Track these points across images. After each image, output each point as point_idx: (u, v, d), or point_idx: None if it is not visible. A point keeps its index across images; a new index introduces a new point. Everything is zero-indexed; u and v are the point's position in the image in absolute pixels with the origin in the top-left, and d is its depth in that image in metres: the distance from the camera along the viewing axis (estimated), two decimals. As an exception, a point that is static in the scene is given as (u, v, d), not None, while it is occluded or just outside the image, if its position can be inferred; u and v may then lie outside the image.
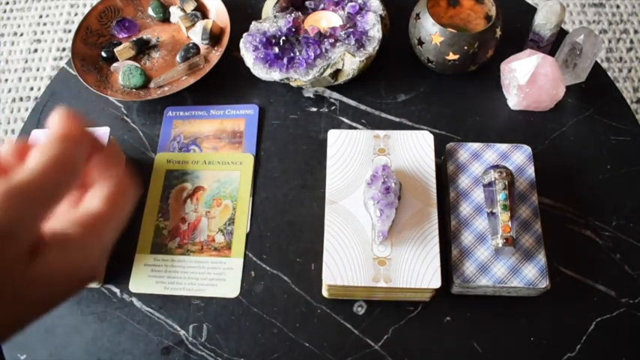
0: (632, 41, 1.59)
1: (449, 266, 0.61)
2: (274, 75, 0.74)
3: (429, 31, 0.70)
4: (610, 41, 1.59)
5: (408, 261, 0.57)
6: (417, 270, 0.57)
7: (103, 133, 0.68)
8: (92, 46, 0.80)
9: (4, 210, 0.26)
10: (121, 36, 0.82)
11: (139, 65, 0.78)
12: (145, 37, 0.82)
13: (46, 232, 0.29)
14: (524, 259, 0.60)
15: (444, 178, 0.66)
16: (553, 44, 0.76)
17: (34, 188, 0.27)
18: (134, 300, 0.64)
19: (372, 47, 0.74)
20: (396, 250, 0.58)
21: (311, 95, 0.77)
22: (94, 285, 0.64)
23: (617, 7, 1.65)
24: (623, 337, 0.60)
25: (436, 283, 0.57)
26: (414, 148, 0.63)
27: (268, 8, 0.80)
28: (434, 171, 0.62)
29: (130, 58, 0.80)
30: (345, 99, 0.77)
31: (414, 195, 0.61)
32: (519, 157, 0.66)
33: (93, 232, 0.30)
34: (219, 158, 0.73)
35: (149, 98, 0.75)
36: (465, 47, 0.70)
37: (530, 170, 0.65)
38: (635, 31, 1.61)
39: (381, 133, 0.65)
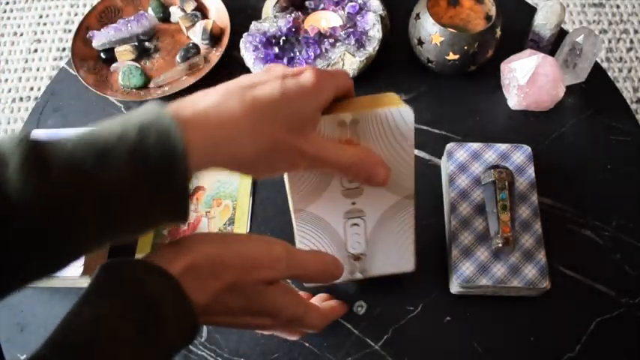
0: (632, 41, 1.59)
1: (449, 266, 0.61)
2: (274, 75, 0.74)
3: (429, 31, 0.70)
4: (610, 41, 1.59)
5: (383, 252, 0.57)
6: (391, 259, 0.58)
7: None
8: (92, 46, 0.80)
9: (319, 76, 0.40)
10: (121, 36, 0.82)
11: (139, 65, 0.78)
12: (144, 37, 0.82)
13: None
14: (524, 259, 0.60)
15: (444, 178, 0.66)
16: (553, 44, 0.76)
17: (329, 72, 0.42)
18: (134, 300, 0.64)
19: (372, 47, 0.74)
20: (371, 246, 0.57)
21: (311, 95, 0.77)
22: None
23: (617, 7, 1.65)
24: (623, 337, 0.60)
25: (410, 266, 0.58)
26: (389, 132, 0.48)
27: (268, 8, 0.80)
28: (411, 157, 0.50)
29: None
30: (345, 99, 0.77)
31: (389, 187, 0.51)
32: (519, 157, 0.66)
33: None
34: (219, 158, 0.73)
35: (149, 98, 0.75)
36: (465, 47, 0.70)
37: (530, 170, 0.65)
38: (635, 31, 1.61)
39: (348, 117, 0.46)
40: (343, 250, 0.57)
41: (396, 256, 0.57)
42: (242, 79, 0.39)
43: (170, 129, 0.32)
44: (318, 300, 0.54)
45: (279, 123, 0.37)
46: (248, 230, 0.67)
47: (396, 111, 0.46)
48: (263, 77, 0.39)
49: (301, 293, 0.53)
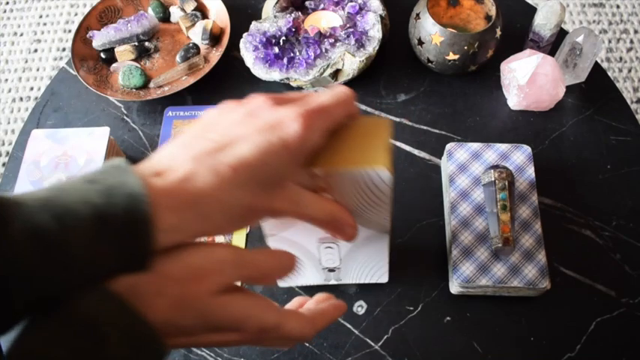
0: (632, 41, 1.59)
1: (449, 266, 0.61)
2: (274, 75, 0.74)
3: (429, 31, 0.70)
4: (610, 41, 1.59)
5: (358, 268, 0.57)
6: (365, 273, 0.58)
7: (102, 133, 0.68)
8: (92, 46, 0.80)
9: (306, 123, 0.35)
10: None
11: (138, 65, 0.78)
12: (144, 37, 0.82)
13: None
14: (524, 259, 0.60)
15: (444, 178, 0.66)
16: (553, 44, 0.76)
17: (324, 109, 0.37)
18: (134, 300, 0.64)
19: (372, 47, 0.74)
20: (344, 263, 0.57)
21: (311, 95, 0.77)
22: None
23: (617, 7, 1.65)
24: (623, 337, 0.60)
25: (384, 279, 0.59)
26: (365, 189, 0.42)
27: (268, 8, 0.80)
28: (389, 204, 0.44)
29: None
30: (345, 99, 0.77)
31: (364, 225, 0.48)
32: (519, 157, 0.66)
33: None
34: (219, 158, 0.72)
35: (149, 98, 0.75)
36: (465, 47, 0.70)
37: (530, 170, 0.65)
38: (635, 31, 1.61)
39: (319, 171, 0.39)
40: (318, 264, 0.56)
41: (370, 271, 0.58)
42: (214, 136, 0.34)
43: (139, 196, 0.30)
44: (315, 301, 0.45)
45: (254, 188, 0.34)
46: (248, 230, 0.67)
47: (373, 173, 0.40)
48: (241, 130, 0.34)
49: (298, 298, 0.46)
